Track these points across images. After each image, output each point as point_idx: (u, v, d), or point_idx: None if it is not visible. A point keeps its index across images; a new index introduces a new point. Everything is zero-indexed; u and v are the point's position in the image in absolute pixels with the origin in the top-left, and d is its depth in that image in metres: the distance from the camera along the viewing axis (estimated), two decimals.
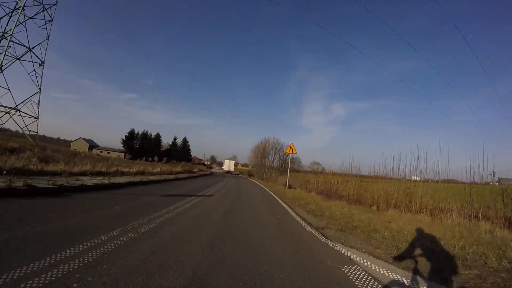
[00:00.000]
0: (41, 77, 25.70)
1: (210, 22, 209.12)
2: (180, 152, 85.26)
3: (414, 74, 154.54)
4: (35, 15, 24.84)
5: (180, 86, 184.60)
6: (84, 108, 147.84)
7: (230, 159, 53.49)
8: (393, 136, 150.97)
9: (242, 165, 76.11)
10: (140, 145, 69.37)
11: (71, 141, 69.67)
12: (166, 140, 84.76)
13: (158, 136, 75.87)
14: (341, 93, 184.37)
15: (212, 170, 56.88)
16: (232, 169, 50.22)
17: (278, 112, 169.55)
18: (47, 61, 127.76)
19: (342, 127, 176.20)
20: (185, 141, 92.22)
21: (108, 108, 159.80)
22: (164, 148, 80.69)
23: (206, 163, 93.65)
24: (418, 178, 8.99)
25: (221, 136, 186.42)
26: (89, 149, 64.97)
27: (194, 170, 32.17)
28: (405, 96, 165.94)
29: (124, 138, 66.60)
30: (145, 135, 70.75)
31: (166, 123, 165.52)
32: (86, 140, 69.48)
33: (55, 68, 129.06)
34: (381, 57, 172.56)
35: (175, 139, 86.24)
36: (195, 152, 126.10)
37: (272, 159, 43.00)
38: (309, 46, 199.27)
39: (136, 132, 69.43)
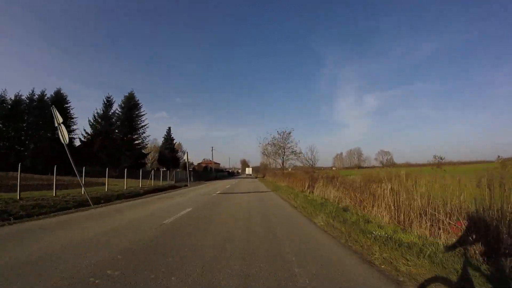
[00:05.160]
0: None
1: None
2: (123, 140, 38.50)
3: (447, 50, 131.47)
4: None
5: (211, 98, 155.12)
6: None
7: (250, 167, 78.14)
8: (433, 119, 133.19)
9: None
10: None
11: None
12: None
13: (59, 99, 32.85)
14: (372, 82, 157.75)
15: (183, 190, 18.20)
16: (251, 173, 72.01)
17: (312, 112, 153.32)
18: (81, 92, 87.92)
19: (378, 117, 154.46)
20: (130, 104, 40.83)
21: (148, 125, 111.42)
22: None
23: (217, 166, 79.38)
24: None
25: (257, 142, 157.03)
26: None
27: None
28: (439, 76, 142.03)
29: None
30: (19, 101, 28.14)
31: (199, 138, 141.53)
32: None
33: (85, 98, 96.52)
34: (408, 37, 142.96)
35: (107, 101, 38.78)
36: (221, 159, 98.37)
37: None
38: (334, 36, 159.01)
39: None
